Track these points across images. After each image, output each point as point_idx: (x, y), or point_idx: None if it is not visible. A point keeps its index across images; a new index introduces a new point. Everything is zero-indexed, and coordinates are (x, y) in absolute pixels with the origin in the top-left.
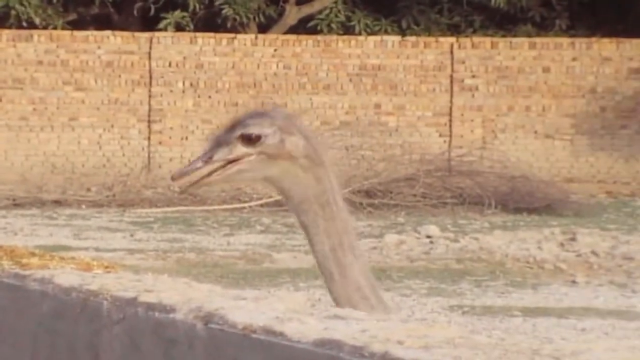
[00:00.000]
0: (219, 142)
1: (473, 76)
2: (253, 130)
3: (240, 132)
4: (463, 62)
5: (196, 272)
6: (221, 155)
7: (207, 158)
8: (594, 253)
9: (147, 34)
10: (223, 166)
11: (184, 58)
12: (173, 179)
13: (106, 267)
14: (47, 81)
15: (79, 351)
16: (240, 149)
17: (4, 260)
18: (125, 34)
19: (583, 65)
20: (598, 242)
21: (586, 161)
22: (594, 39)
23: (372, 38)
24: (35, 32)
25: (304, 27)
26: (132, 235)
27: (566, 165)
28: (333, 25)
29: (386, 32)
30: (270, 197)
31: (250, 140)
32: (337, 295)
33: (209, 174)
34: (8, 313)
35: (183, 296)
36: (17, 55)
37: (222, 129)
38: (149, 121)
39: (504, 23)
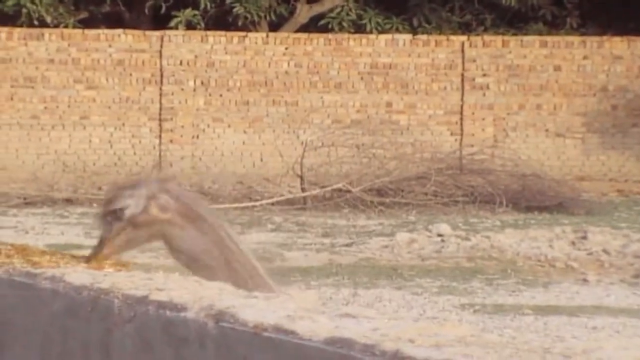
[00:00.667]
0: (102, 221)
1: (484, 74)
2: (115, 205)
3: (107, 212)
4: (474, 61)
5: None
6: (105, 234)
7: (102, 240)
8: (605, 251)
9: (158, 33)
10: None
11: (195, 56)
12: (87, 262)
13: (117, 266)
14: (58, 80)
15: (90, 349)
16: (116, 224)
17: (15, 259)
18: (137, 32)
19: (594, 63)
20: (609, 241)
21: (597, 159)
22: (605, 38)
23: (383, 36)
24: (46, 31)
25: (315, 25)
26: None
27: (577, 163)
28: (344, 24)
29: (397, 31)
30: (282, 195)
31: (116, 215)
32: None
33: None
34: (20, 311)
35: (194, 295)
36: (28, 54)
37: (102, 206)
38: (160, 119)
39: (515, 21)
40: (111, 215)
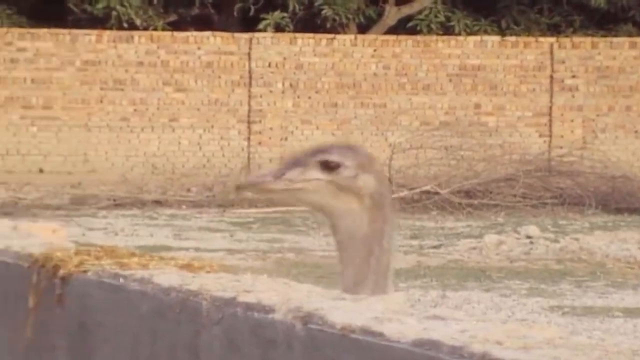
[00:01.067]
0: (295, 163)
1: (573, 76)
2: (334, 158)
3: (320, 157)
4: (563, 62)
5: (296, 272)
6: (293, 174)
7: (279, 174)
8: None
9: (246, 35)
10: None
11: (284, 59)
12: (238, 188)
13: (205, 268)
14: (147, 82)
15: (178, 351)
16: (314, 173)
17: (104, 261)
18: (225, 34)
19: None
20: None
21: None
22: None
23: (471, 38)
24: (135, 33)
25: (403, 27)
26: (231, 236)
27: None
28: (432, 26)
29: (486, 32)
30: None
31: (327, 167)
32: None
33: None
34: (109, 313)
35: (282, 296)
36: (117, 56)
37: (299, 153)
38: (248, 122)
39: (604, 23)
40: (320, 163)
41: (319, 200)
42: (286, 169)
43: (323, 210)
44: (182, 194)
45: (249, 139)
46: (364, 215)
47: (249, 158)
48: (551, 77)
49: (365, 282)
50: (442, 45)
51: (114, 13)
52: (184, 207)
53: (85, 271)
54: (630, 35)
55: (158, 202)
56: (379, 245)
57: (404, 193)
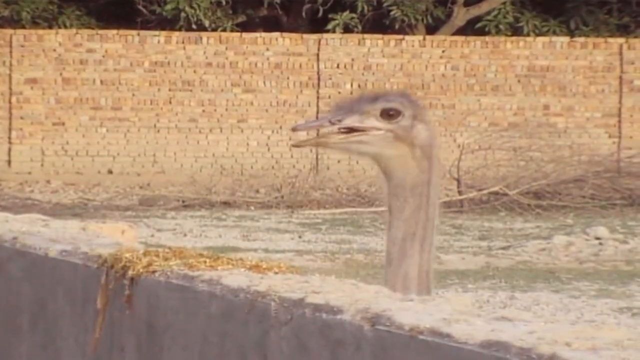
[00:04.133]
0: (351, 109)
1: None
2: (396, 106)
3: (382, 105)
4: (632, 63)
5: (364, 274)
6: (351, 121)
7: (336, 120)
8: None
9: (315, 36)
10: (347, 132)
11: (352, 59)
12: (294, 129)
13: (274, 269)
14: (216, 83)
15: (247, 352)
16: (373, 122)
17: (172, 262)
18: (294, 35)
19: None
20: None
21: None
22: None
23: (540, 39)
24: (204, 34)
25: (472, 28)
26: (300, 237)
27: None
28: (501, 26)
29: (554, 33)
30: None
31: (388, 115)
32: (385, 279)
33: (330, 135)
34: (178, 314)
35: (350, 297)
36: (186, 58)
37: (357, 98)
38: None
39: None
40: (382, 113)
41: (375, 150)
42: (343, 116)
43: (377, 159)
44: (251, 194)
45: None
46: (415, 164)
47: (317, 159)
48: (620, 77)
49: (414, 238)
50: (511, 46)
51: (182, 14)
52: (252, 208)
53: (153, 272)
54: None
55: (226, 203)
56: (427, 197)
57: (473, 194)
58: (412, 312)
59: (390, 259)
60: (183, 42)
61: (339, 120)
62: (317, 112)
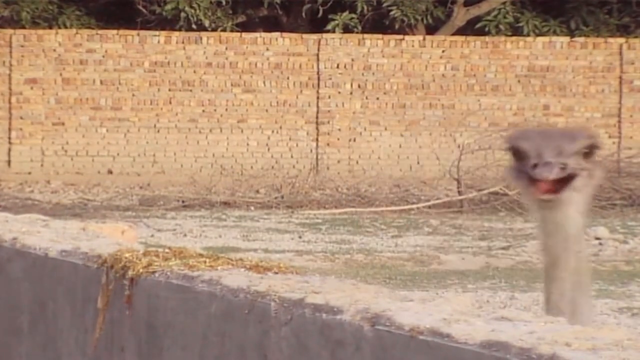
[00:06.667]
0: (559, 151)
1: None
2: (592, 142)
3: (590, 142)
4: (632, 63)
5: (364, 274)
6: (573, 163)
7: (562, 165)
8: None
9: (315, 36)
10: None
11: (352, 60)
12: (541, 191)
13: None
14: (216, 83)
15: (247, 352)
16: (581, 162)
17: (172, 262)
18: (294, 35)
19: None
20: None
21: None
22: None
23: (540, 39)
24: (204, 34)
25: (472, 28)
26: (300, 237)
27: None
28: (501, 27)
29: (554, 33)
30: (438, 198)
31: (591, 153)
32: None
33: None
34: (178, 314)
35: (350, 298)
36: (186, 58)
37: (550, 138)
38: (317, 123)
39: None
40: (588, 151)
41: (582, 193)
42: (562, 159)
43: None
44: (251, 195)
45: (317, 140)
46: (583, 208)
47: (317, 159)
48: (620, 78)
49: (580, 284)
50: (511, 46)
51: (182, 14)
52: (252, 208)
53: (153, 272)
54: None
55: (226, 203)
56: (582, 240)
57: (473, 194)
58: (412, 312)
59: (561, 311)
60: (183, 42)
61: (565, 165)
62: (317, 113)
